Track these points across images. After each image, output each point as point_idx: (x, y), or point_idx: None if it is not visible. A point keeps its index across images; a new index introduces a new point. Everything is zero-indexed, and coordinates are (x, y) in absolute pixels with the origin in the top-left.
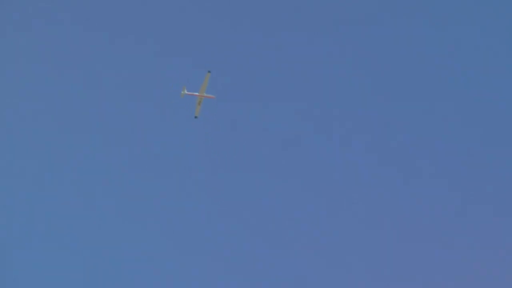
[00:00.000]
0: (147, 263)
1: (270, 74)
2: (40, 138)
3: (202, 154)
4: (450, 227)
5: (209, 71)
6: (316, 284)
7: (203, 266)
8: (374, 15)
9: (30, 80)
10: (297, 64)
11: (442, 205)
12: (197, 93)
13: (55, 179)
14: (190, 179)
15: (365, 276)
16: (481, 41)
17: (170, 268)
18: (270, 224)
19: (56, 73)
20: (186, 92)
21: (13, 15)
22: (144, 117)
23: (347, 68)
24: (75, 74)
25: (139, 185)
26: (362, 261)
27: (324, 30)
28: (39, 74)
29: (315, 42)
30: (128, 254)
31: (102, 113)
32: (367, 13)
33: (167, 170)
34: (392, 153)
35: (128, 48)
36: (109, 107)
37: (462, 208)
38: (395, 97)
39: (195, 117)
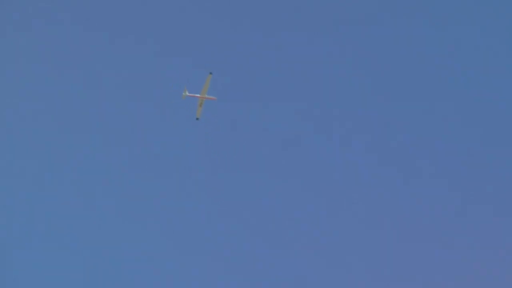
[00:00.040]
0: (147, 263)
1: (270, 74)
2: (40, 138)
3: (201, 154)
4: (450, 227)
5: (210, 73)
6: (316, 284)
7: (203, 266)
8: (374, 15)
9: (30, 80)
10: (297, 64)
11: (442, 205)
12: (198, 95)
13: (55, 179)
14: (190, 179)
15: (365, 276)
16: (481, 41)
17: (170, 268)
18: (270, 224)
19: (56, 73)
20: (187, 93)
21: (13, 15)
22: (144, 117)
23: (347, 68)
24: (75, 74)
25: (139, 185)
26: (362, 261)
27: (324, 30)
28: (39, 74)
29: (315, 42)
30: (128, 254)
31: (102, 113)
32: (367, 13)
33: (167, 170)
34: (392, 153)
35: (128, 48)
36: (109, 107)
37: (462, 208)
38: (395, 97)
39: (197, 118)
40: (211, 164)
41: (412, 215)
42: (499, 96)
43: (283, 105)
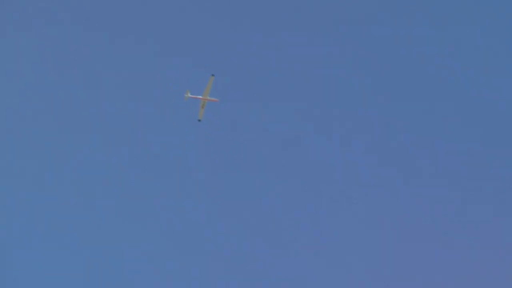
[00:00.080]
0: (147, 263)
1: (270, 74)
2: (40, 138)
3: (201, 154)
4: (450, 227)
5: (212, 75)
6: (316, 284)
7: (203, 266)
8: (374, 15)
9: (30, 80)
10: (297, 64)
11: (442, 205)
12: (200, 97)
13: (55, 179)
14: (190, 179)
15: (365, 276)
16: (481, 41)
17: (170, 268)
18: (270, 224)
19: (56, 73)
20: (189, 95)
21: (13, 15)
22: (143, 117)
23: (347, 68)
24: (75, 74)
25: (139, 185)
26: (362, 261)
27: (324, 30)
28: (39, 74)
29: (315, 42)
30: (128, 254)
31: (103, 113)
32: (367, 13)
33: (167, 170)
34: (392, 153)
35: (128, 49)
36: (109, 107)
37: (462, 208)
38: (395, 97)
39: (199, 120)
40: (210, 164)
41: (412, 215)
42: (499, 96)
43: (283, 105)
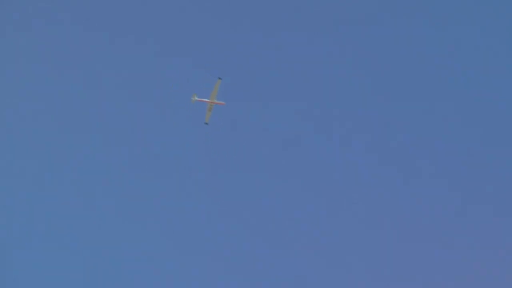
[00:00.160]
0: (147, 263)
1: (270, 74)
2: (40, 138)
3: (201, 154)
4: (450, 227)
5: (219, 78)
6: (316, 284)
7: (203, 266)
8: (374, 15)
9: (30, 80)
10: (297, 64)
11: (442, 205)
12: (207, 100)
13: (55, 179)
14: (190, 179)
15: (365, 276)
16: (481, 41)
17: (170, 268)
18: (270, 224)
19: (56, 73)
20: (196, 98)
21: (13, 15)
22: (143, 117)
23: (347, 68)
24: (75, 74)
25: (139, 185)
26: (362, 261)
27: (324, 30)
28: (39, 74)
29: (315, 42)
30: (128, 254)
31: (103, 113)
32: (367, 13)
33: (167, 170)
34: (392, 153)
35: (128, 49)
36: (109, 107)
37: (462, 208)
38: (395, 97)
39: (205, 123)
40: (211, 164)
41: (412, 215)
42: (499, 96)
43: (283, 105)
